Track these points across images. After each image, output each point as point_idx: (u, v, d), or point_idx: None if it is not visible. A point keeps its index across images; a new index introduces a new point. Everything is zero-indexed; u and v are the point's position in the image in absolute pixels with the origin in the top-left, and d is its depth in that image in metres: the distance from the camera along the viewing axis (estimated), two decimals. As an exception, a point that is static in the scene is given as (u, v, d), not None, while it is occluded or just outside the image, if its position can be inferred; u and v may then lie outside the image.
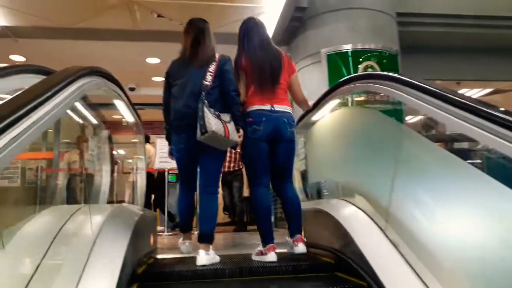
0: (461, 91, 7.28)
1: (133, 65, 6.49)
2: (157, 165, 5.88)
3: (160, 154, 5.83)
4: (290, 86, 2.67)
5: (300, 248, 2.40)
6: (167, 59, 5.39)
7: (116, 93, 2.55)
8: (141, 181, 3.55)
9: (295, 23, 5.09)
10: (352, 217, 2.19)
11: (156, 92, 7.91)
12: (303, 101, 2.88)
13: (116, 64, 6.40)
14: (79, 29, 5.11)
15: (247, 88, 2.55)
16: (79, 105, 2.55)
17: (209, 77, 2.40)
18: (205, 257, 2.24)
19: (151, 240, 2.79)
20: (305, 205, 3.18)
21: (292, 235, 2.49)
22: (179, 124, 2.46)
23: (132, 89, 7.24)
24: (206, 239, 2.33)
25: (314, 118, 3.23)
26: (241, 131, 2.42)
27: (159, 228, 5.80)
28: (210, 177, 2.50)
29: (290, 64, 2.66)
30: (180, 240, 2.92)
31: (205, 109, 2.23)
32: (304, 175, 3.63)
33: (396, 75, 1.72)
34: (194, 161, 2.54)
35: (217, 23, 5.13)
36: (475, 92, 7.58)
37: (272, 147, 2.51)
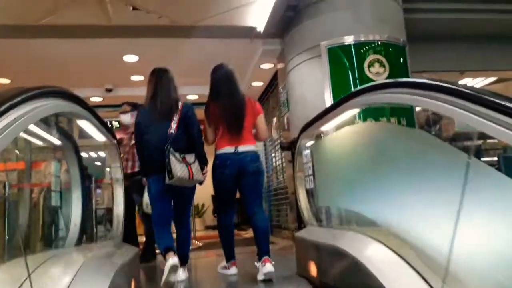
0: (463, 81, 6.84)
1: (109, 64, 5.82)
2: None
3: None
4: (256, 126, 3.01)
5: (268, 267, 2.66)
6: (146, 56, 4.79)
7: (79, 114, 1.99)
8: (117, 207, 2.97)
9: (290, 12, 4.52)
10: (390, 268, 1.68)
11: (135, 92, 7.18)
12: (264, 138, 3.28)
13: (90, 64, 5.74)
14: (42, 26, 4.44)
15: (216, 132, 2.92)
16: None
17: (173, 126, 2.76)
18: (183, 274, 2.91)
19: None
20: (317, 236, 2.64)
21: (260, 258, 2.75)
22: (156, 166, 2.72)
23: (109, 90, 6.58)
24: (183, 261, 2.91)
25: (324, 128, 2.71)
26: (206, 168, 2.90)
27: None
28: (182, 208, 2.99)
29: (254, 107, 3.00)
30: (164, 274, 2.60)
31: (171, 156, 2.60)
32: (311, 194, 3.11)
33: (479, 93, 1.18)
34: (170, 196, 2.87)
35: (202, 15, 4.52)
36: (477, 82, 7.18)
37: (239, 181, 2.88)
